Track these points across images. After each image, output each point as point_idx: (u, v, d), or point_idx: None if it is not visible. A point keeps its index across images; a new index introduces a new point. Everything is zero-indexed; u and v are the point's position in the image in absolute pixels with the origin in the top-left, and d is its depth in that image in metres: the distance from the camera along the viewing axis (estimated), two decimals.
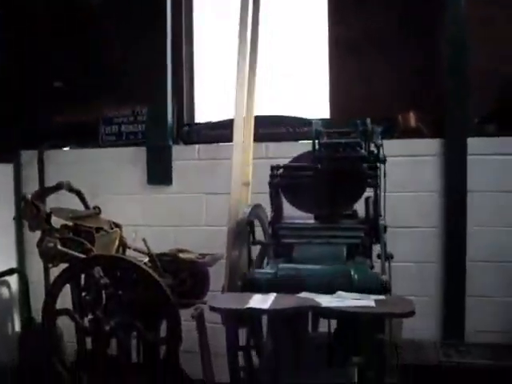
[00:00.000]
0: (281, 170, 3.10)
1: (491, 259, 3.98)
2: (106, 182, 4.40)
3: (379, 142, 2.96)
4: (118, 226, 3.93)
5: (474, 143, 3.96)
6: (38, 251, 3.62)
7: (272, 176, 3.07)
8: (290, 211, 3.20)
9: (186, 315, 3.33)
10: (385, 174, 3.02)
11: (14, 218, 3.75)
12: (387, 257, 2.95)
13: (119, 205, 4.26)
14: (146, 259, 3.57)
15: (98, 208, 3.99)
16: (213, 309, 2.41)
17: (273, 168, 3.09)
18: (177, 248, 3.77)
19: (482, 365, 3.66)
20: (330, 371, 2.76)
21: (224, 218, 3.66)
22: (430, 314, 4.07)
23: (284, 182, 3.09)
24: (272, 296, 2.48)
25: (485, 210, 3.96)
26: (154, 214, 4.36)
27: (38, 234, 3.74)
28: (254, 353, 3.30)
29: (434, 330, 4.10)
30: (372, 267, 2.86)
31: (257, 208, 3.21)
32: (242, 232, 2.91)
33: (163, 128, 4.37)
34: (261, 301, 2.40)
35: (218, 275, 3.44)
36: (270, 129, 4.21)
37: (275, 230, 3.00)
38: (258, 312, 2.40)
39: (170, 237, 4.18)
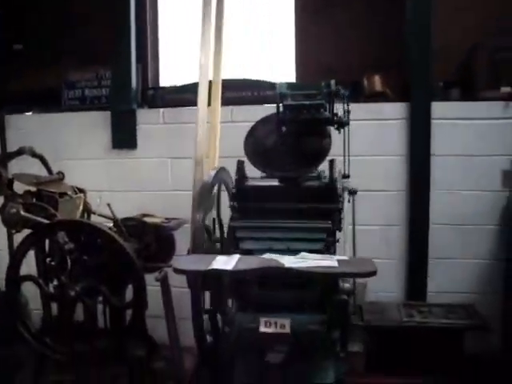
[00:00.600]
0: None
1: (453, 222, 4.06)
2: (69, 147, 4.33)
3: (345, 104, 2.96)
4: (82, 191, 3.88)
5: (438, 107, 4.00)
6: (1, 217, 3.56)
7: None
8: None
9: (152, 280, 3.33)
10: (348, 136, 3.04)
11: None
12: (351, 192, 2.98)
13: (83, 170, 4.21)
14: (111, 224, 3.55)
15: (62, 173, 3.93)
16: (177, 270, 2.41)
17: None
18: (142, 213, 3.76)
19: (442, 324, 3.75)
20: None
21: (190, 182, 3.66)
22: (394, 276, 4.15)
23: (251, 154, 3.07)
24: (236, 257, 2.49)
25: (447, 173, 4.02)
26: (118, 178, 4.32)
27: (1, 200, 3.68)
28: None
29: (397, 292, 4.18)
30: None
31: (221, 172, 3.20)
32: (205, 195, 2.90)
33: (127, 92, 4.30)
34: (224, 262, 2.41)
35: (184, 240, 3.47)
36: (236, 92, 4.18)
37: (233, 230, 2.90)
38: (222, 273, 2.40)
39: (136, 202, 4.14)
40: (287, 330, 2.62)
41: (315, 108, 2.85)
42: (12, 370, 3.83)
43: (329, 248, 2.87)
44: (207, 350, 3.17)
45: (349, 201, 3.10)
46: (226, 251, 2.92)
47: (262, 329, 2.62)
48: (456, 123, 3.99)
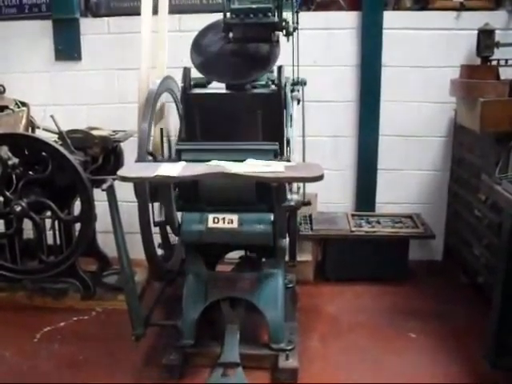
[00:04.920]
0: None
1: (401, 133, 4.09)
2: (9, 60, 4.11)
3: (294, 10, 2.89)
4: (24, 104, 3.76)
5: (389, 17, 3.93)
6: None
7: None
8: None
9: (102, 196, 3.29)
10: (298, 44, 2.98)
11: None
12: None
13: (26, 83, 4.03)
14: (56, 137, 3.46)
15: (2, 86, 3.77)
16: (123, 178, 2.38)
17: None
18: (89, 126, 3.66)
19: (388, 233, 3.86)
20: None
21: (137, 94, 3.57)
22: (344, 187, 4.20)
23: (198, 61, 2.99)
24: (181, 164, 2.46)
25: (397, 84, 4.01)
26: (63, 92, 4.14)
27: None
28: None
29: (346, 203, 4.25)
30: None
31: (167, 80, 3.12)
32: (151, 103, 2.84)
33: None
34: (170, 169, 2.38)
35: (133, 153, 3.43)
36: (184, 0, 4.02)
37: (178, 151, 2.80)
38: (167, 179, 2.38)
39: (82, 115, 4.01)
40: (235, 225, 2.68)
41: (262, 12, 2.76)
42: None
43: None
44: (157, 262, 3.19)
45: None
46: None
47: (210, 225, 2.68)
48: (407, 33, 3.94)
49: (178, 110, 3.23)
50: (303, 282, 3.77)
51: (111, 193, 2.53)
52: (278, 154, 2.73)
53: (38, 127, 3.74)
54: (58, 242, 3.54)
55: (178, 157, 2.75)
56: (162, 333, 3.18)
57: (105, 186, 2.48)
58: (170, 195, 2.77)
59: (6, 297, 3.71)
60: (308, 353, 3.02)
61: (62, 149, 3.19)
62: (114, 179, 2.54)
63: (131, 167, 2.62)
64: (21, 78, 4.06)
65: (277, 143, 2.75)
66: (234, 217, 2.68)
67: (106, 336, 3.29)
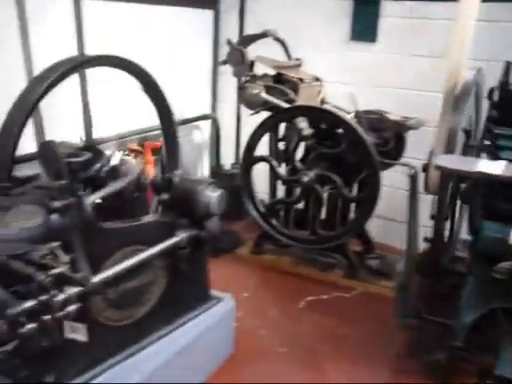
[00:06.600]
0: None
1: None
2: (306, 35, 4.23)
3: None
4: (318, 80, 3.87)
5: None
6: (241, 98, 3.67)
7: None
8: None
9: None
10: None
11: (222, 62, 3.80)
12: None
13: (319, 59, 4.11)
14: (351, 115, 3.50)
15: (300, 60, 3.92)
16: (440, 168, 2.33)
17: None
18: (377, 109, 3.66)
19: None
20: None
21: (425, 83, 3.57)
22: None
23: None
24: (502, 163, 2.34)
25: None
26: (354, 71, 4.15)
27: (230, 83, 3.78)
28: None
29: None
30: None
31: (478, 73, 2.98)
32: (467, 95, 2.73)
33: None
34: (491, 167, 2.28)
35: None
36: None
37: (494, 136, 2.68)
38: (490, 177, 2.27)
39: (367, 96, 3.93)
40: None
41: None
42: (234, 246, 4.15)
43: None
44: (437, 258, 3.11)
45: None
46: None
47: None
48: None
49: (476, 105, 3.06)
50: None
51: (414, 180, 2.50)
52: None
53: (328, 103, 3.82)
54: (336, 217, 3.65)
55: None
56: (422, 328, 3.10)
57: (412, 171, 2.46)
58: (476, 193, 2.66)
59: (272, 260, 3.94)
60: None
61: (359, 128, 3.22)
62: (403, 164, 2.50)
63: (449, 158, 2.53)
64: (315, 54, 4.13)
65: None
66: None
67: (365, 317, 3.33)
